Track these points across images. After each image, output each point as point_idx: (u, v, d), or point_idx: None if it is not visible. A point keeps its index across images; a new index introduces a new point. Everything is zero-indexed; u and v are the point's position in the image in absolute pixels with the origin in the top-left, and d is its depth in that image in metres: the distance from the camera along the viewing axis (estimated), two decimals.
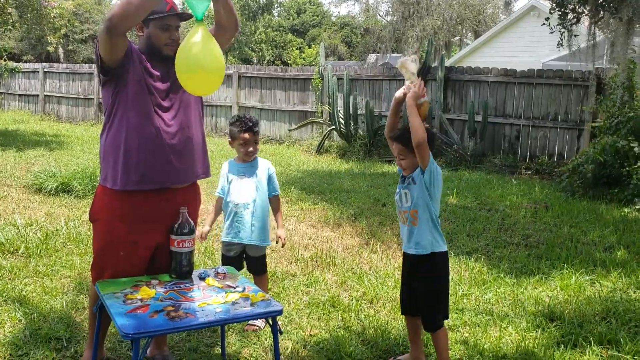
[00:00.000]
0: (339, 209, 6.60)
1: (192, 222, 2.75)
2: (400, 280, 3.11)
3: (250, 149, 3.41)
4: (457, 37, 27.34)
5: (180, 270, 2.74)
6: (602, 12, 6.58)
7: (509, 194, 7.57)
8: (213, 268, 2.95)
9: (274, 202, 3.57)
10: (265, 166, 3.52)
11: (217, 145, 11.70)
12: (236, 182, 3.45)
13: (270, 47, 41.90)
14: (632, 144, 7.14)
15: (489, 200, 7.21)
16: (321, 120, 12.11)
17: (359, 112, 11.26)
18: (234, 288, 2.63)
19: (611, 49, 6.56)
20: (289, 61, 41.13)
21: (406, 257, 2.97)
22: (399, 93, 2.85)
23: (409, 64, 2.80)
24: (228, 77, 13.63)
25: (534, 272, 4.54)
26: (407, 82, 2.82)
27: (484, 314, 3.69)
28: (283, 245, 3.63)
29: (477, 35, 24.41)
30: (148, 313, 2.33)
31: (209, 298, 2.51)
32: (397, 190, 2.93)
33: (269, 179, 3.51)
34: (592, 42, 6.85)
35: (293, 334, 3.37)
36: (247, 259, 3.54)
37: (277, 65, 29.84)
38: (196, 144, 2.84)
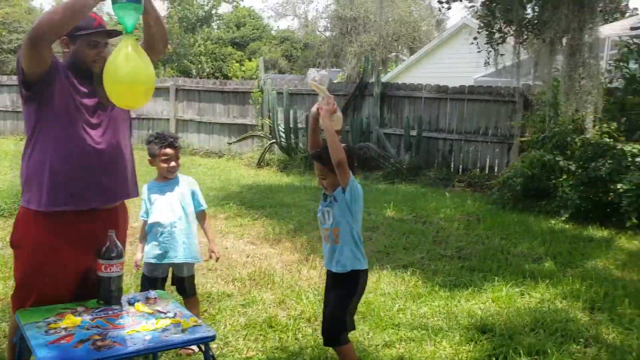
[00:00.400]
0: (279, 224, 6.57)
1: (120, 245, 2.65)
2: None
3: (173, 164, 3.36)
4: (394, 54, 28.04)
5: (108, 296, 2.64)
6: (526, 33, 6.92)
7: (443, 206, 7.77)
8: (143, 293, 2.86)
9: (201, 217, 3.54)
10: (187, 182, 3.48)
11: None
12: (159, 201, 3.38)
13: (209, 60, 41.49)
14: (557, 158, 7.49)
15: (424, 212, 7.38)
16: (262, 133, 12.07)
17: (299, 125, 11.30)
18: (165, 314, 2.55)
19: (535, 68, 6.89)
20: (229, 74, 40.86)
21: (328, 274, 3.00)
22: (313, 109, 2.88)
23: (317, 84, 2.86)
24: (165, 90, 13.40)
25: (467, 284, 4.66)
26: (319, 99, 2.86)
27: (419, 329, 3.75)
28: (217, 259, 3.59)
29: (412, 51, 25.09)
30: (72, 343, 2.22)
31: (138, 325, 2.42)
32: (320, 207, 2.94)
33: (193, 194, 3.47)
34: (516, 61, 7.16)
35: (229, 357, 3.30)
36: (177, 281, 3.46)
37: (217, 78, 29.55)
38: (126, 162, 2.77)
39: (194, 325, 2.44)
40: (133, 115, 13.85)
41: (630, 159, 7.05)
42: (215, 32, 45.08)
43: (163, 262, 3.37)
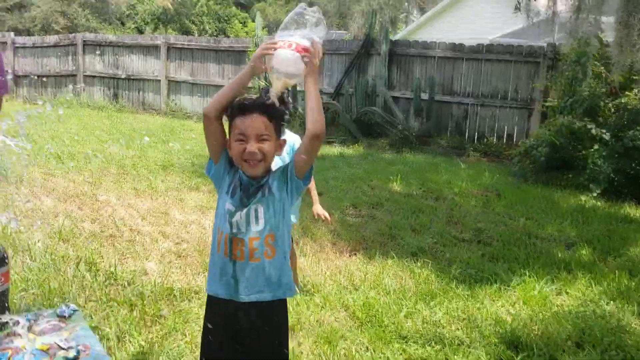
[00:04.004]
0: None
1: (2, 248, 1.82)
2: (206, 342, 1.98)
3: None
4: (404, 14, 26.70)
5: None
6: None
7: (456, 179, 6.89)
8: (54, 308, 2.04)
9: None
10: (289, 140, 2.95)
11: (142, 122, 10.55)
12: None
13: (212, 20, 40.18)
14: (588, 126, 6.57)
15: (435, 186, 6.51)
16: (257, 96, 11.12)
17: (298, 88, 10.34)
18: (66, 349, 1.73)
19: (575, 19, 5.84)
20: (231, 35, 39.57)
21: (240, 309, 1.85)
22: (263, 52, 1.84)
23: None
24: (156, 49, 12.43)
25: (490, 279, 3.82)
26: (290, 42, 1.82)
27: (432, 343, 2.92)
28: (324, 221, 3.51)
29: (423, 12, 23.85)
30: None
31: None
32: (234, 203, 1.85)
33: (292, 150, 3.02)
34: (552, 8, 6.11)
35: None
36: None
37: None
38: None
39: None
40: (122, 75, 12.95)
41: None
42: None
43: None
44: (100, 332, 2.74)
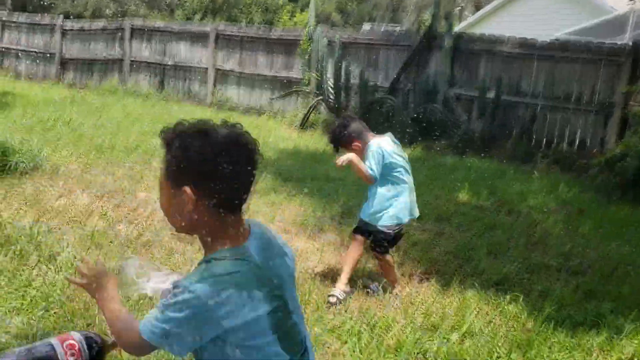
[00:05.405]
0: (321, 205, 5.15)
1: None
2: None
3: None
4: (458, 8, 25.70)
5: None
6: None
7: (530, 190, 6.18)
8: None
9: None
10: (370, 143, 3.29)
11: (187, 113, 10.13)
12: None
13: (259, 10, 39.93)
14: None
15: (507, 198, 5.82)
16: (308, 89, 10.57)
17: (352, 81, 9.72)
18: None
19: None
20: (278, 26, 39.23)
21: None
22: None
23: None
24: (204, 36, 12.00)
25: (596, 322, 3.15)
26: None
27: None
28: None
29: (478, 7, 22.83)
30: None
31: None
32: None
33: (368, 156, 3.26)
34: None
35: None
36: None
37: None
38: None
39: None
40: (169, 62, 12.57)
41: None
42: None
43: None
44: None
